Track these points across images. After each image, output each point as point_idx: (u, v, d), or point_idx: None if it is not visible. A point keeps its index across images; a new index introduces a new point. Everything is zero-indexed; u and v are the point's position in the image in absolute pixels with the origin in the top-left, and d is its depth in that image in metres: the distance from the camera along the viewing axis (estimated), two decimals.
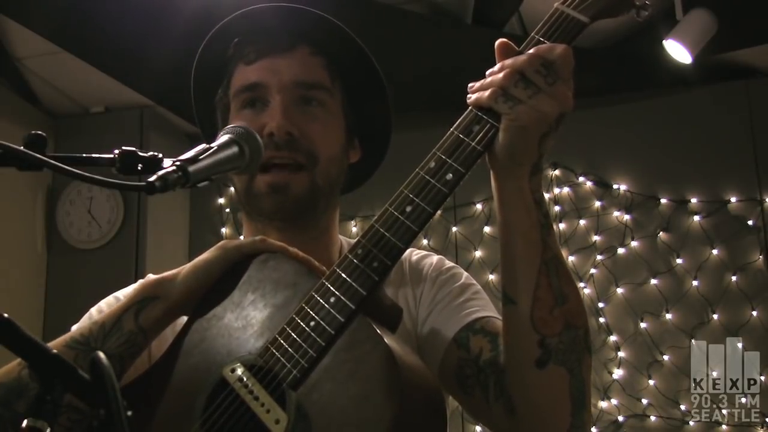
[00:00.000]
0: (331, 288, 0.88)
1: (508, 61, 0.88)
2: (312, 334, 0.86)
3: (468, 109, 0.91)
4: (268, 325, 0.92)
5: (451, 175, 0.88)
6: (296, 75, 1.09)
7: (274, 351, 0.88)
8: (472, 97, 0.90)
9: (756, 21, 3.07)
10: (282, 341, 0.88)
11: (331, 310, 0.86)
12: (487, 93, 0.88)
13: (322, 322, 0.86)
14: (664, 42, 3.01)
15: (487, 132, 0.88)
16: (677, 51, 3.02)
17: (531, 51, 0.88)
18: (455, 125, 0.91)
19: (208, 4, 2.71)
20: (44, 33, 3.21)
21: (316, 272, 0.94)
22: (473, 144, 0.88)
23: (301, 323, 0.87)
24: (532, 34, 0.92)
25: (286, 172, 1.07)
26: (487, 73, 0.90)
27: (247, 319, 0.94)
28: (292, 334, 0.87)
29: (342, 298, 0.87)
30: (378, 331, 0.83)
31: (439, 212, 0.92)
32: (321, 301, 0.88)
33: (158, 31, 2.99)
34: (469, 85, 0.92)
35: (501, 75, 0.87)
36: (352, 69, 1.14)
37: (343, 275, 0.88)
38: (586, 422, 0.93)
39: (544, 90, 0.85)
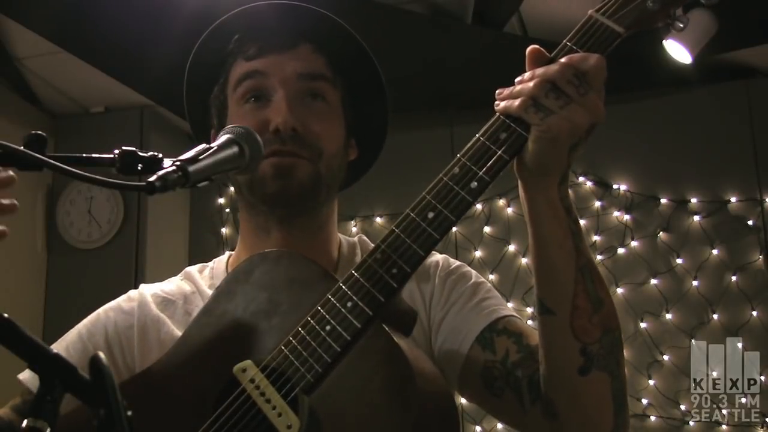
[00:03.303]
0: (349, 292, 0.86)
1: (540, 70, 0.86)
2: (327, 339, 0.85)
3: (495, 116, 0.89)
4: (281, 326, 0.90)
5: (476, 183, 0.87)
6: (300, 68, 1.08)
7: (287, 353, 0.86)
8: (500, 105, 0.89)
9: (756, 21, 3.07)
10: (296, 344, 0.86)
11: (348, 316, 0.85)
12: (517, 102, 0.86)
13: (338, 327, 0.85)
14: (664, 42, 3.01)
15: (515, 140, 0.87)
16: (677, 51, 3.02)
17: (563, 60, 0.86)
18: (481, 131, 0.89)
19: (207, 4, 2.71)
20: (44, 33, 3.20)
21: (332, 274, 0.93)
22: (500, 152, 0.87)
23: (317, 327, 0.86)
24: (565, 41, 0.90)
25: (290, 158, 1.05)
26: (516, 80, 0.89)
27: (259, 317, 0.93)
28: (307, 337, 0.86)
29: (359, 303, 0.85)
30: (394, 339, 0.82)
31: None
32: (337, 305, 0.86)
33: (158, 31, 2.99)
34: (497, 91, 0.90)
35: (532, 84, 0.85)
36: (353, 68, 1.13)
37: (362, 280, 0.87)
38: (627, 420, 0.94)
39: (576, 100, 0.84)
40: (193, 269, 1.18)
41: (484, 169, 0.87)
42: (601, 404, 0.91)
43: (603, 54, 0.87)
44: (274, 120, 1.05)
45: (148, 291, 1.13)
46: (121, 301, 1.13)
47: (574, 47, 0.88)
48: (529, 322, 1.01)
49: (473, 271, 1.13)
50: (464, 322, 1.04)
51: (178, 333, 1.04)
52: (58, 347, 1.08)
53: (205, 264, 1.20)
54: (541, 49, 0.89)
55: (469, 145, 0.89)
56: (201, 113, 1.18)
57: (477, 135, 0.89)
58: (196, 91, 1.17)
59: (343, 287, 0.87)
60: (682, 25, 0.91)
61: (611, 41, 0.89)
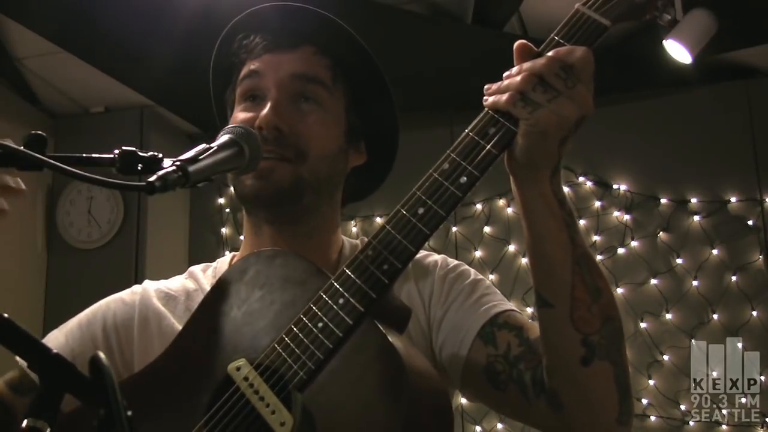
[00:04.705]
0: (340, 289, 0.87)
1: (527, 64, 0.86)
2: (320, 335, 0.85)
3: (484, 111, 0.89)
4: (275, 323, 0.91)
5: (465, 178, 0.87)
6: (296, 69, 1.08)
7: (280, 351, 0.87)
8: (488, 100, 0.89)
9: (756, 21, 3.07)
10: (289, 341, 0.87)
11: (340, 312, 0.85)
12: (505, 97, 0.86)
13: (330, 323, 0.85)
14: (664, 42, 3.01)
15: (504, 135, 0.87)
16: (677, 51, 3.02)
17: (550, 54, 0.86)
18: (470, 127, 0.89)
19: (207, 4, 2.71)
20: (44, 33, 3.20)
21: (325, 272, 0.93)
22: (489, 147, 0.87)
23: (309, 324, 0.87)
24: (552, 35, 0.90)
25: (273, 161, 1.05)
26: (504, 75, 0.89)
27: (253, 316, 0.94)
28: (300, 334, 0.87)
29: (351, 300, 0.86)
30: (387, 335, 0.82)
31: None
32: (329, 302, 0.87)
33: (158, 31, 2.99)
34: (485, 86, 0.90)
35: (519, 78, 0.86)
36: (357, 72, 1.13)
37: (353, 276, 0.87)
38: (632, 408, 0.94)
39: (563, 93, 0.84)
40: (196, 268, 1.19)
41: (473, 164, 0.87)
42: (606, 393, 0.91)
43: (590, 47, 0.88)
44: (259, 118, 1.05)
45: (151, 286, 1.15)
46: (124, 293, 1.14)
47: (561, 41, 0.89)
48: None
49: (472, 270, 1.14)
50: (465, 318, 1.04)
51: (179, 327, 1.05)
52: (57, 334, 1.10)
53: (209, 264, 1.21)
54: (529, 43, 0.90)
55: (458, 140, 0.89)
56: (224, 114, 1.19)
57: (466, 130, 0.90)
58: (219, 95, 1.19)
59: (335, 284, 0.88)
60: (669, 17, 0.92)
61: (598, 34, 0.89)
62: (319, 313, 0.87)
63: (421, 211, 0.87)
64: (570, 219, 0.91)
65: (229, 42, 1.14)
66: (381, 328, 0.84)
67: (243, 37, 1.12)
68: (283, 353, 0.86)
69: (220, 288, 1.00)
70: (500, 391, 0.98)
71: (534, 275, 0.93)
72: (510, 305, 1.06)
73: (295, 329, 0.87)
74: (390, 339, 0.82)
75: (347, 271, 0.88)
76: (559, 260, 0.90)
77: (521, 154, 0.88)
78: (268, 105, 1.06)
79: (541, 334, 0.94)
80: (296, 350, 0.86)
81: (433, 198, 0.87)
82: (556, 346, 0.92)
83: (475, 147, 0.88)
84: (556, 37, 0.90)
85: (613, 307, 0.92)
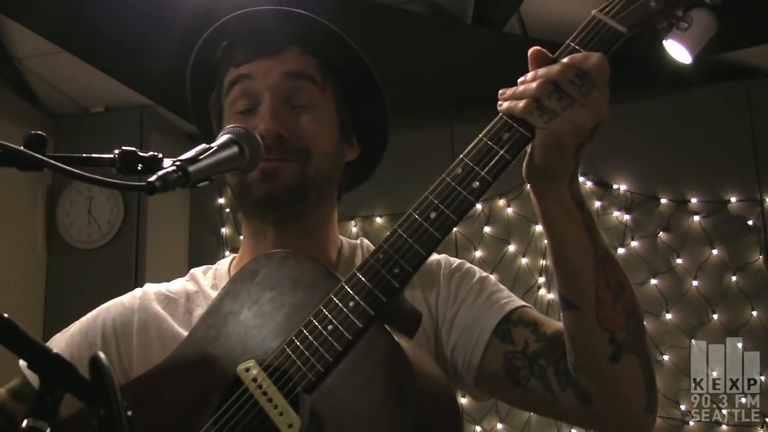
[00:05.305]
0: (351, 292, 0.87)
1: (542, 71, 0.87)
2: (329, 338, 0.85)
3: (498, 116, 0.89)
4: (285, 325, 0.91)
5: (477, 183, 0.87)
6: (286, 68, 1.08)
7: (290, 353, 0.87)
8: (503, 105, 0.89)
9: (756, 21, 3.07)
10: (298, 343, 0.87)
11: (350, 315, 0.86)
12: (521, 104, 0.86)
13: (340, 326, 0.85)
14: (664, 42, 3.01)
15: (518, 140, 0.87)
16: (677, 51, 3.02)
17: (565, 60, 0.86)
18: (484, 132, 0.89)
19: (207, 5, 2.71)
20: (44, 33, 3.20)
21: (335, 274, 0.93)
22: (502, 152, 0.87)
23: (319, 326, 0.87)
24: (568, 41, 0.90)
25: (276, 162, 1.05)
26: (519, 81, 0.89)
27: (263, 317, 0.94)
28: (309, 336, 0.87)
29: (361, 303, 0.86)
30: (396, 339, 0.83)
31: None
32: (340, 304, 0.87)
33: (158, 31, 2.99)
34: (500, 91, 0.91)
35: (534, 85, 0.86)
36: (345, 69, 1.13)
37: (364, 280, 0.87)
38: (657, 395, 0.96)
39: (578, 100, 0.84)
40: (197, 271, 1.20)
41: (486, 168, 0.87)
42: (634, 384, 0.93)
43: (606, 54, 0.87)
44: (259, 127, 1.05)
45: (152, 289, 1.16)
46: (125, 297, 1.15)
47: (577, 47, 0.89)
48: None
49: (476, 267, 1.14)
50: (478, 317, 1.04)
51: (179, 329, 1.06)
52: (59, 338, 1.12)
53: (209, 266, 1.21)
54: (544, 50, 0.90)
55: (471, 145, 0.90)
56: (205, 118, 1.19)
57: (480, 135, 0.90)
58: (199, 98, 1.18)
59: (346, 287, 0.88)
60: (686, 25, 0.91)
61: (614, 41, 0.89)
62: (329, 315, 0.87)
63: (433, 215, 0.88)
64: (589, 221, 0.92)
65: (214, 46, 1.13)
66: (390, 331, 0.84)
67: (228, 44, 1.12)
68: (293, 355, 0.86)
69: (231, 289, 1.00)
70: (521, 387, 0.99)
71: (558, 279, 0.94)
72: (521, 301, 1.07)
73: (304, 331, 0.87)
74: (399, 343, 0.82)
75: (358, 274, 0.88)
76: (582, 264, 0.91)
77: (539, 166, 0.88)
78: (266, 113, 1.06)
79: (567, 335, 0.95)
80: (305, 352, 0.86)
81: (446, 203, 0.88)
82: (584, 346, 0.93)
83: (489, 152, 0.88)
84: (572, 44, 0.89)
85: (634, 300, 0.94)
